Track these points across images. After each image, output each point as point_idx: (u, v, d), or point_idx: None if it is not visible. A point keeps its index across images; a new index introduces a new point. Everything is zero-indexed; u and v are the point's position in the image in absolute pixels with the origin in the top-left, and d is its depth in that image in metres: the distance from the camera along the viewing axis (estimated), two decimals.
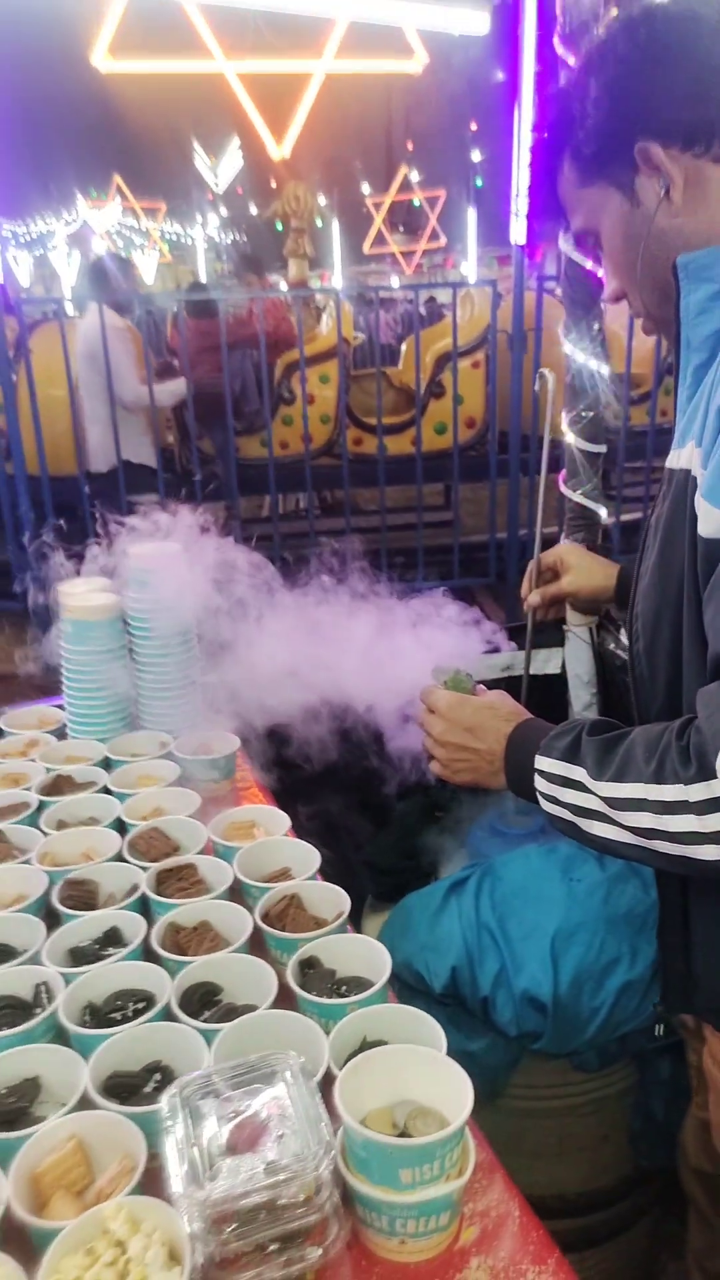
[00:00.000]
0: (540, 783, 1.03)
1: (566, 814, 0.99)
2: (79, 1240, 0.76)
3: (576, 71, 1.02)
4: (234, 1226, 0.75)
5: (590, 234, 1.07)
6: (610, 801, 0.92)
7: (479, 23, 2.04)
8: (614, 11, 1.94)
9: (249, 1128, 0.80)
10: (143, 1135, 0.85)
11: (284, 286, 9.11)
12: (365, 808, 2.36)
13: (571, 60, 1.88)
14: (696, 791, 0.83)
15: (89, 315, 5.01)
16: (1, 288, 5.48)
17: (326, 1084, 0.88)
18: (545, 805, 1.03)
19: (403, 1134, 0.85)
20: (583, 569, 1.62)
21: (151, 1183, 0.83)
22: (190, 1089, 0.84)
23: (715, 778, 0.81)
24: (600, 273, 1.11)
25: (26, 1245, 0.79)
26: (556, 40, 1.92)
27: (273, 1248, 0.77)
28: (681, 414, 1.03)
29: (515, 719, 1.14)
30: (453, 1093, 0.85)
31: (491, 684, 2.57)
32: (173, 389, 5.35)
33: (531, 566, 1.66)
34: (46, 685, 1.93)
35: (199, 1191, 0.74)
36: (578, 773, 0.97)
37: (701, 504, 0.90)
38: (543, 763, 1.02)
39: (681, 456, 1.00)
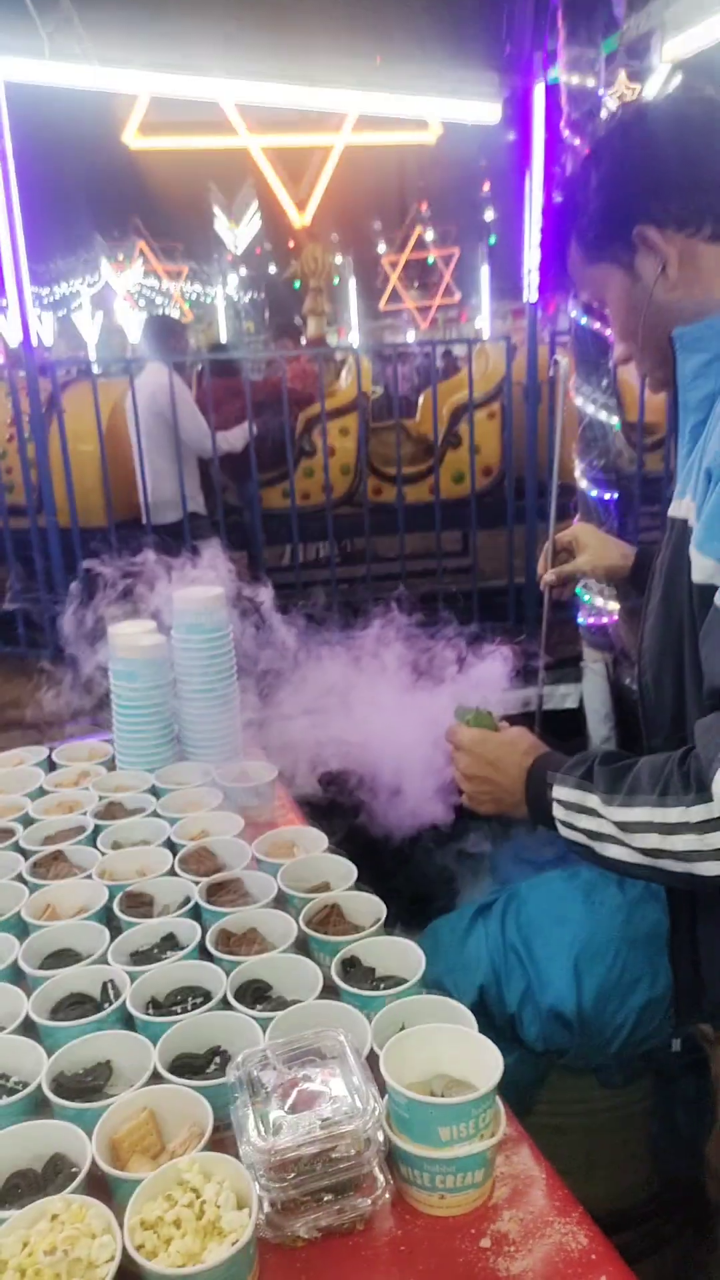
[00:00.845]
0: (558, 810, 1.13)
1: (582, 838, 1.09)
2: (158, 1188, 0.86)
3: (579, 164, 1.16)
4: (293, 1175, 0.85)
5: (595, 304, 1.21)
6: (621, 825, 1.02)
7: (491, 113, 2.21)
8: (613, 104, 2.12)
9: (305, 1092, 0.91)
10: (209, 1106, 0.96)
11: (303, 343, 9.40)
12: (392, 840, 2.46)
13: (577, 142, 2.06)
14: (697, 813, 0.93)
15: (153, 373, 5.16)
16: (33, 350, 5.74)
17: (370, 1063, 0.99)
18: (562, 830, 1.14)
19: None
20: (597, 547, 1.67)
21: (218, 1150, 0.93)
22: (252, 1061, 0.95)
23: (713, 800, 0.91)
24: (609, 334, 1.25)
25: (108, 1201, 0.90)
26: (563, 125, 2.10)
27: (327, 1198, 0.87)
28: (681, 467, 1.15)
29: (534, 753, 1.25)
30: (484, 1064, 0.96)
31: (511, 719, 2.69)
32: (241, 434, 5.52)
33: (547, 546, 1.72)
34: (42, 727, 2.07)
35: (264, 1141, 0.85)
36: (591, 800, 1.07)
37: (694, 553, 1.01)
38: (559, 791, 1.13)
39: (681, 507, 1.12)
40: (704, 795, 0.92)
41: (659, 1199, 2.00)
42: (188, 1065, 1.05)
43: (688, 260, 1.08)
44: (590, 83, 2.07)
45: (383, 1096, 0.93)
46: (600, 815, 1.05)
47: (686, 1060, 1.93)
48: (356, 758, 1.84)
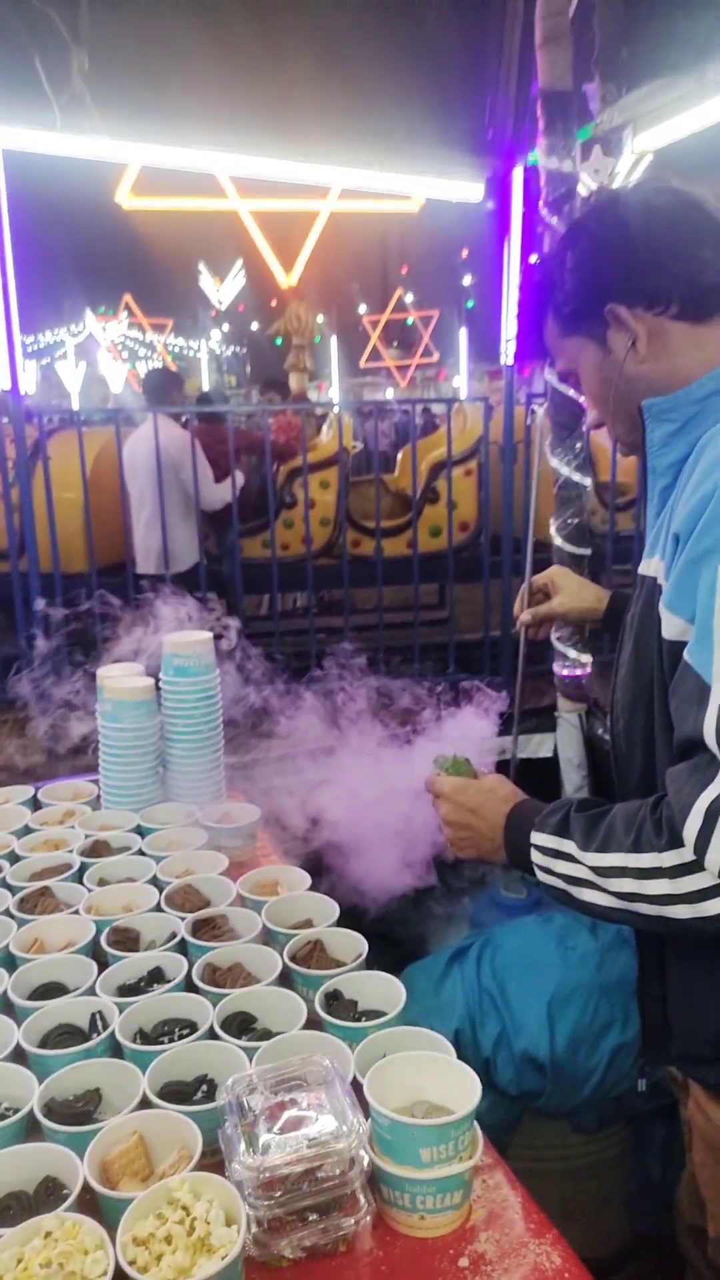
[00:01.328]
0: (536, 856, 1.18)
1: (560, 883, 1.15)
2: (149, 1206, 0.89)
3: (556, 244, 1.25)
4: (280, 1194, 0.89)
5: (570, 373, 1.29)
6: (597, 870, 1.08)
7: (474, 192, 2.35)
8: (589, 184, 2.27)
9: (291, 1115, 0.94)
10: (198, 1130, 0.99)
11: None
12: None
13: (554, 221, 2.19)
14: (669, 858, 0.99)
15: (165, 425, 5.24)
16: (20, 398, 5.84)
17: (353, 1089, 1.02)
18: (541, 876, 1.18)
19: None
20: (572, 590, 1.73)
21: (207, 1172, 0.96)
22: (241, 1086, 0.99)
23: (684, 845, 0.97)
24: (583, 400, 1.33)
25: (99, 1222, 0.92)
26: (541, 204, 2.23)
27: (312, 1217, 0.90)
28: (650, 528, 1.24)
29: (513, 800, 1.29)
30: (462, 1091, 1.00)
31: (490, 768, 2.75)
32: (227, 486, 5.63)
33: (524, 587, 1.78)
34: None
35: (253, 1159, 0.88)
36: (568, 845, 1.13)
37: (664, 612, 1.09)
38: (537, 838, 1.18)
39: (650, 566, 1.20)
40: (676, 841, 0.98)
41: (633, 1248, 2.02)
42: (176, 1092, 1.08)
43: (656, 336, 1.16)
44: (567, 167, 2.21)
45: (366, 1120, 0.97)
46: (577, 861, 1.10)
47: (657, 1105, 1.97)
48: (334, 821, 1.90)
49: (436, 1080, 1.04)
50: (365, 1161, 0.93)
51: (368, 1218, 0.93)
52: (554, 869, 1.15)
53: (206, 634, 1.90)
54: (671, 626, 1.07)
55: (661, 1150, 1.98)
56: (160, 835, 1.75)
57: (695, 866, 0.96)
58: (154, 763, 1.90)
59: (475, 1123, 0.99)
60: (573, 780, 2.52)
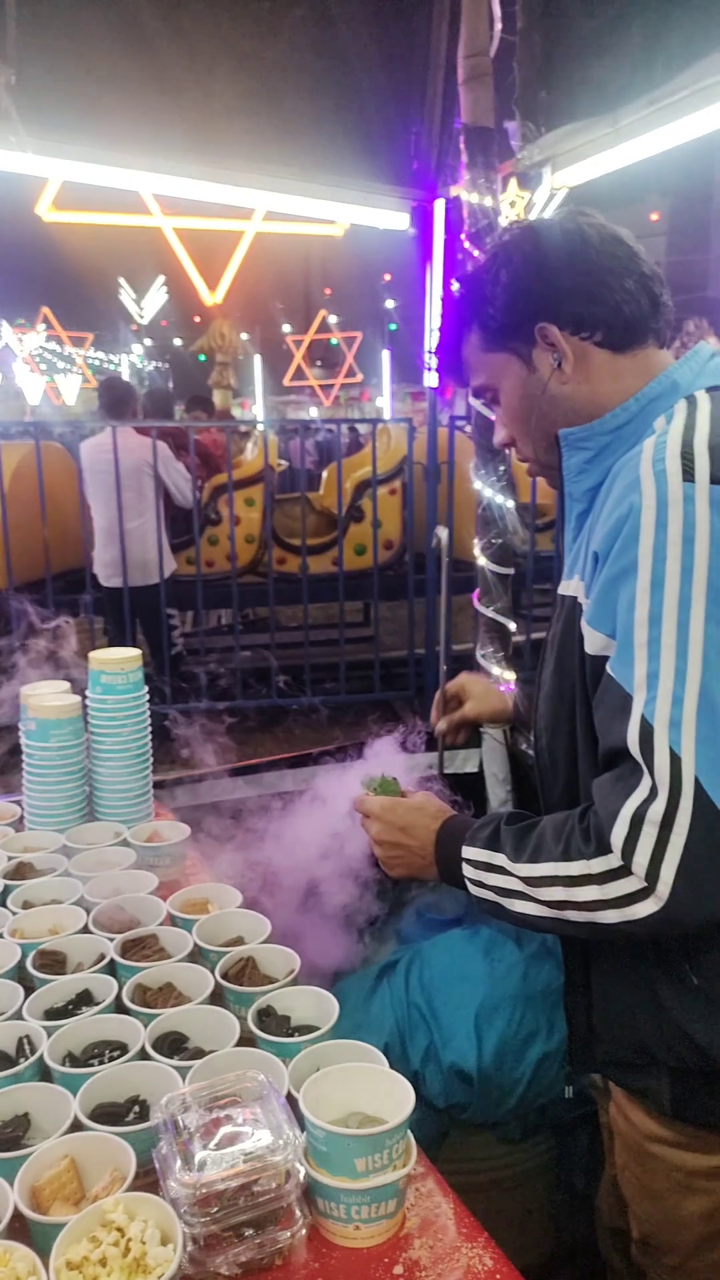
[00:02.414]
0: (467, 870, 1.21)
1: (492, 895, 1.18)
2: (83, 1230, 0.88)
3: (487, 260, 1.27)
4: (216, 1209, 0.89)
5: (489, 390, 1.31)
6: (528, 880, 1.11)
7: (399, 221, 2.41)
8: (508, 215, 2.35)
9: (226, 1131, 0.95)
10: (131, 1151, 0.98)
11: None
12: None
13: (476, 253, 2.26)
14: (597, 865, 1.03)
15: (126, 435, 5.25)
16: None
17: (288, 1104, 1.03)
18: (472, 889, 1.21)
19: None
20: (481, 695, 1.86)
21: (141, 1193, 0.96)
22: (175, 1104, 0.98)
23: (611, 852, 1.01)
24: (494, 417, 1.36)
25: (30, 1248, 0.91)
26: (463, 236, 2.30)
27: (248, 1232, 0.91)
28: (568, 551, 1.29)
29: (442, 817, 1.33)
30: (395, 1100, 1.01)
31: (416, 784, 2.78)
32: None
33: (438, 696, 1.89)
34: None
35: (189, 1175, 0.89)
36: (499, 858, 1.16)
37: (586, 629, 1.13)
38: (468, 852, 1.21)
39: (570, 586, 1.25)
40: (604, 848, 1.02)
41: (557, 1256, 2.05)
42: (108, 1114, 1.06)
43: (580, 361, 1.21)
44: (488, 201, 2.29)
45: (301, 1133, 0.98)
46: (509, 873, 1.14)
47: (580, 1114, 2.01)
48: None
49: (370, 1091, 1.05)
50: (301, 1174, 0.94)
51: (303, 1230, 0.94)
52: (486, 882, 1.18)
53: (132, 650, 1.89)
54: (594, 642, 1.12)
55: (585, 1159, 2.02)
56: (87, 855, 1.72)
57: (623, 872, 1.01)
58: (80, 782, 1.88)
59: (409, 1131, 1.01)
60: (498, 795, 2.57)
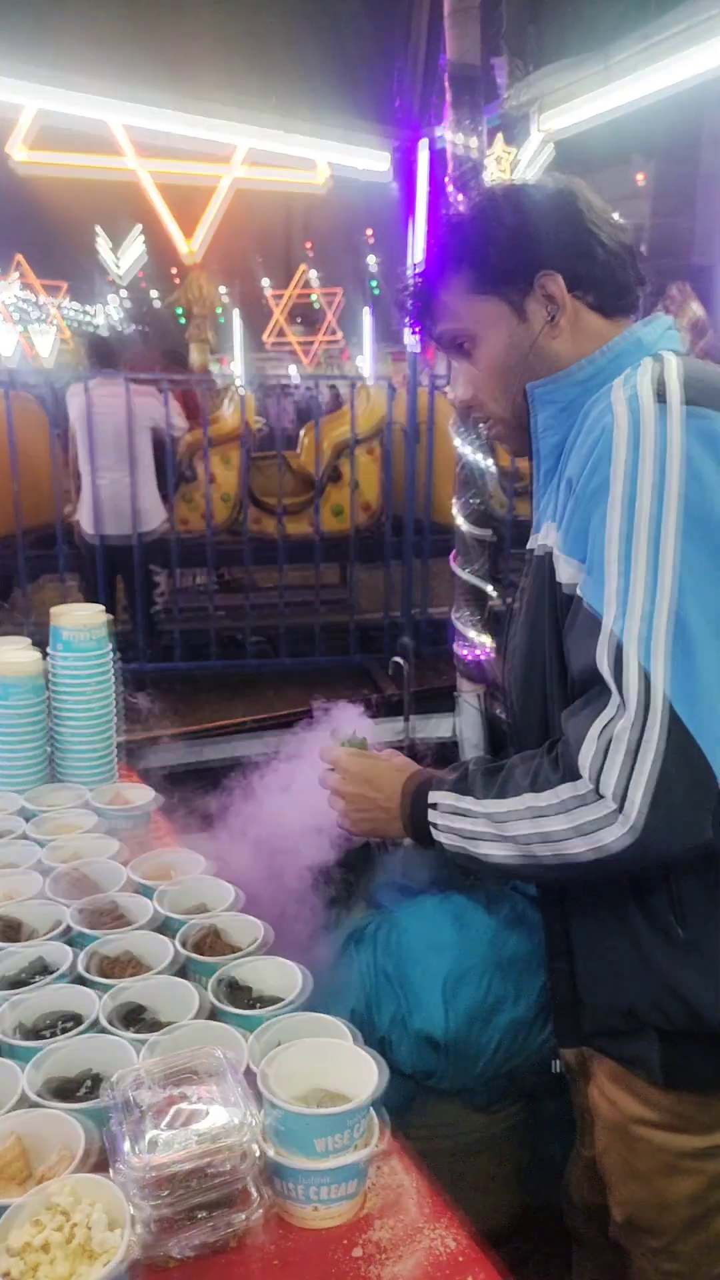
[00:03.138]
0: (434, 815, 1.17)
1: (458, 840, 1.13)
2: (26, 1213, 0.84)
3: (490, 199, 1.22)
4: (168, 1192, 0.85)
5: (464, 338, 1.23)
6: (494, 817, 1.08)
7: (380, 162, 2.31)
8: (492, 167, 2.26)
9: (181, 1110, 0.91)
10: (81, 1129, 0.94)
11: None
12: None
13: (460, 199, 2.17)
14: (564, 790, 1.00)
15: (114, 384, 5.27)
16: None
17: (249, 1080, 0.99)
18: (439, 836, 1.17)
19: None
20: None
21: (91, 1173, 0.91)
22: (127, 1082, 0.94)
23: (580, 777, 0.98)
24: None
25: None
26: (447, 180, 2.21)
27: (202, 1215, 0.87)
28: (537, 507, 1.25)
29: (409, 769, 1.29)
30: (361, 1077, 0.98)
31: (389, 748, 2.74)
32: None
33: None
34: None
35: (138, 1158, 0.84)
36: (466, 802, 1.13)
37: (559, 559, 1.09)
38: (435, 796, 1.17)
39: (538, 538, 1.20)
40: (572, 773, 0.99)
41: (523, 1219, 2.05)
42: (60, 1090, 1.02)
43: (572, 317, 1.17)
44: (473, 144, 2.19)
45: (261, 1111, 0.94)
46: (475, 814, 1.11)
47: (547, 1081, 2.00)
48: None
49: (335, 1067, 1.01)
50: (258, 1154, 0.90)
51: (260, 1211, 0.90)
52: (453, 826, 1.14)
53: (97, 607, 1.82)
54: (566, 570, 1.09)
55: (552, 1125, 2.02)
56: (47, 819, 1.67)
57: (591, 797, 0.98)
58: (41, 743, 1.82)
59: (373, 1109, 0.97)
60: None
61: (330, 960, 2.06)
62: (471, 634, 2.50)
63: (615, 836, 0.96)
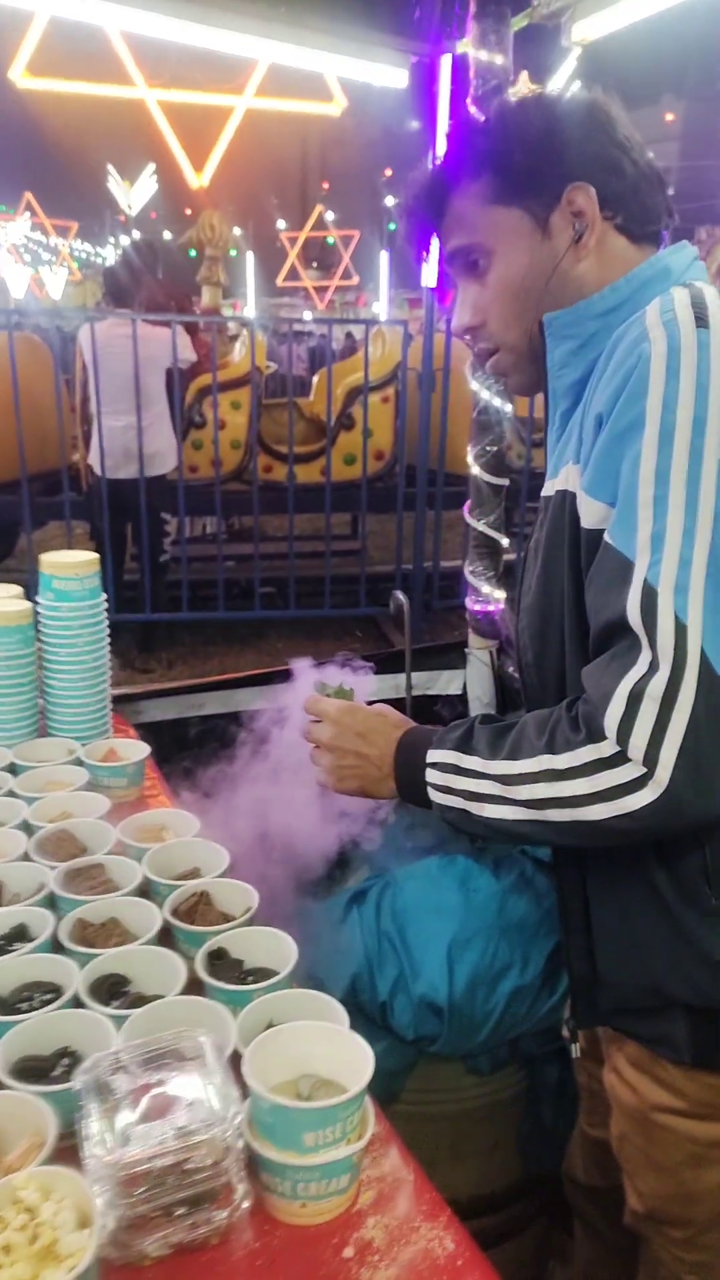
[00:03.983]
0: (431, 774, 1.07)
1: (458, 801, 1.04)
2: None
3: (520, 105, 1.08)
4: (143, 1190, 0.78)
5: (476, 253, 1.10)
6: (504, 779, 0.98)
7: (398, 77, 2.16)
8: (520, 89, 2.10)
9: (159, 1099, 0.84)
10: (52, 1114, 0.87)
11: (196, 313, 9.17)
12: None
13: (483, 119, 2.01)
14: (586, 754, 0.91)
15: (123, 322, 5.11)
16: None
17: (234, 1064, 0.92)
18: (435, 795, 1.07)
19: None
20: None
21: (63, 1161, 0.85)
22: (102, 1066, 0.87)
23: (606, 738, 0.89)
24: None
25: None
26: (469, 101, 2.05)
27: (179, 1211, 0.80)
28: (552, 452, 1.13)
29: (404, 725, 1.19)
30: (354, 1064, 0.90)
31: (394, 704, 2.66)
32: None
33: None
34: None
35: (109, 1155, 0.77)
36: (470, 760, 1.03)
37: (583, 500, 0.99)
38: (434, 755, 1.07)
39: (556, 483, 1.09)
40: (596, 734, 0.90)
41: (522, 1185, 2.02)
42: (32, 1069, 0.95)
43: (600, 239, 1.06)
44: (498, 59, 2.03)
45: (246, 1100, 0.87)
46: (480, 775, 1.01)
47: (550, 1049, 1.95)
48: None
49: (326, 1050, 0.94)
50: (242, 1146, 0.83)
51: (244, 1206, 0.83)
52: (453, 786, 1.05)
53: (90, 554, 1.73)
54: (591, 513, 0.98)
55: (554, 1093, 1.97)
56: (35, 774, 1.59)
57: (617, 759, 0.89)
58: (30, 695, 1.74)
59: (367, 1101, 0.90)
60: None
61: (332, 922, 2.00)
62: (485, 588, 2.39)
63: (644, 802, 0.87)
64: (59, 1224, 0.75)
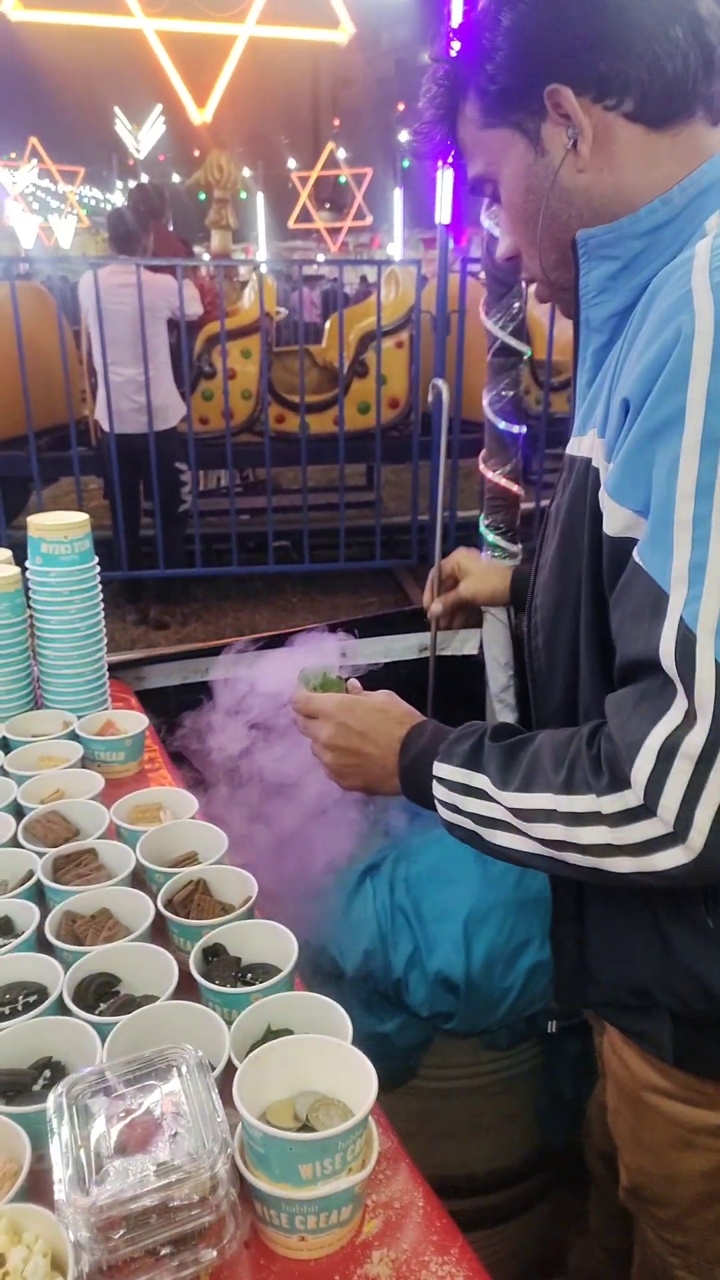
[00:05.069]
0: (439, 790, 0.98)
1: (468, 823, 0.95)
2: None
3: (490, 1, 0.92)
4: (123, 1232, 0.71)
5: (488, 182, 0.99)
6: (517, 812, 0.89)
7: None
8: None
9: (140, 1126, 0.76)
10: (26, 1136, 0.80)
11: (206, 258, 8.92)
12: None
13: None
14: (610, 803, 0.81)
15: (127, 269, 4.94)
16: None
17: (229, 1076, 0.85)
18: (444, 813, 0.99)
19: (304, 1126, 0.82)
20: (478, 574, 1.66)
21: (39, 1185, 0.78)
22: (79, 1087, 0.79)
23: (629, 788, 0.79)
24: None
25: None
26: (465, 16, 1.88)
27: (165, 1251, 0.73)
28: (581, 399, 0.98)
29: (408, 722, 1.09)
30: (356, 1082, 0.82)
31: (407, 665, 2.55)
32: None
33: (433, 575, 1.68)
34: None
35: (84, 1198, 0.70)
36: (480, 780, 0.93)
37: (606, 501, 0.86)
38: (442, 769, 0.98)
39: (583, 444, 0.96)
40: (619, 783, 0.79)
41: (540, 1158, 1.97)
42: (10, 1083, 0.88)
43: (603, 139, 0.89)
44: None
45: (238, 1125, 0.79)
46: (492, 799, 0.92)
47: (569, 1024, 1.89)
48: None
49: (326, 1065, 0.86)
50: (234, 1179, 0.76)
51: (236, 1243, 0.76)
52: (462, 806, 0.95)
53: (79, 515, 1.63)
54: (616, 520, 0.84)
55: (573, 1066, 1.91)
56: (27, 750, 1.51)
57: (643, 813, 0.78)
58: (23, 665, 1.65)
59: (371, 1122, 0.82)
60: (499, 680, 2.35)
61: (345, 896, 1.93)
62: (501, 543, 2.27)
63: (675, 864, 0.78)
64: (28, 1274, 0.68)
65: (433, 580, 1.67)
